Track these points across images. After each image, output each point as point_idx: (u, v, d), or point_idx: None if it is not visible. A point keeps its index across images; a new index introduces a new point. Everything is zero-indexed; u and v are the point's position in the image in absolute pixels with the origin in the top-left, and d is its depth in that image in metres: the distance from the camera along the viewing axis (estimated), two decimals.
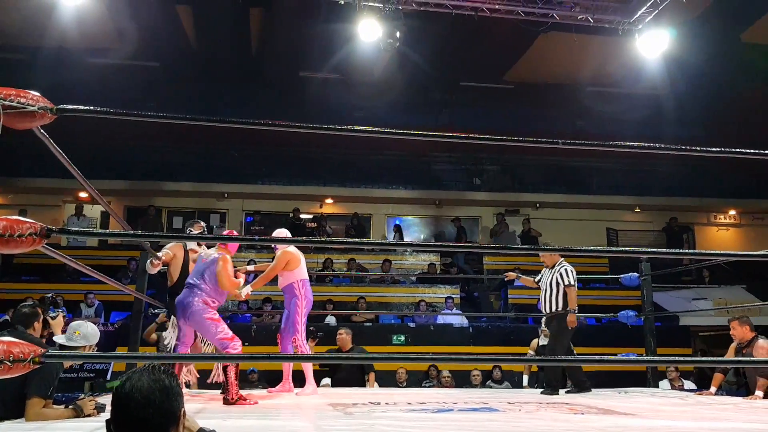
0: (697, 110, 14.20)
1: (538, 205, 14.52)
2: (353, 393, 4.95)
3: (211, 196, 13.67)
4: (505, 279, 5.91)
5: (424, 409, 3.67)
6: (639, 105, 13.88)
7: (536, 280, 5.53)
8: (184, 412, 1.44)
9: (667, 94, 13.71)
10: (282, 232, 5.02)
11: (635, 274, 6.01)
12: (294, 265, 4.75)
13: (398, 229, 13.47)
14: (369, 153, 14.12)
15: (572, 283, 5.16)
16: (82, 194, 12.91)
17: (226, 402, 3.94)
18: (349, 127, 2.90)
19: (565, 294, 5.15)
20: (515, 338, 8.92)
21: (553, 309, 5.21)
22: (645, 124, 14.09)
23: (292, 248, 4.81)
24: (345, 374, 6.20)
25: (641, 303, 6.09)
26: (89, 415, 3.19)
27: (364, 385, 6.04)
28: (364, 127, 2.90)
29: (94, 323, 3.78)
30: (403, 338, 8.85)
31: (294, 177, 13.92)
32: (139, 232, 2.60)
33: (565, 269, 5.20)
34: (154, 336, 5.81)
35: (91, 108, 2.56)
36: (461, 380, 7.78)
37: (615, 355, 6.10)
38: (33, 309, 3.45)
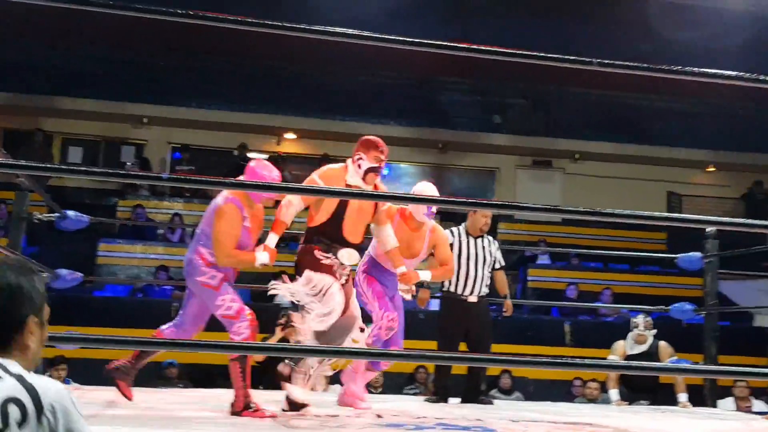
0: None
1: (577, 156, 14.54)
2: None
3: (124, 121, 13.53)
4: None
5: (396, 424, 3.73)
6: (734, 26, 13.61)
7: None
8: (39, 322, 1.57)
9: None
10: (427, 188, 4.76)
11: (698, 254, 5.93)
12: None
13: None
14: (348, 72, 13.91)
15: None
16: None
17: (233, 412, 3.78)
18: (324, 28, 2.86)
19: (490, 276, 5.39)
20: (533, 334, 8.99)
21: (483, 292, 5.34)
22: (739, 55, 13.80)
23: None
24: None
25: (702, 294, 6.12)
26: None
27: None
28: (342, 29, 2.93)
29: None
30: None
31: (242, 101, 13.74)
32: (23, 163, 2.53)
33: (496, 244, 5.54)
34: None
35: None
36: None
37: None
38: None
